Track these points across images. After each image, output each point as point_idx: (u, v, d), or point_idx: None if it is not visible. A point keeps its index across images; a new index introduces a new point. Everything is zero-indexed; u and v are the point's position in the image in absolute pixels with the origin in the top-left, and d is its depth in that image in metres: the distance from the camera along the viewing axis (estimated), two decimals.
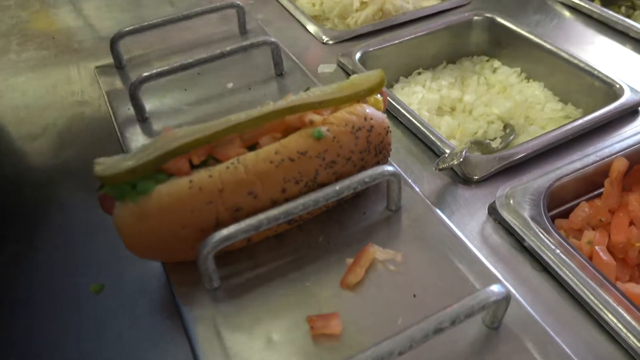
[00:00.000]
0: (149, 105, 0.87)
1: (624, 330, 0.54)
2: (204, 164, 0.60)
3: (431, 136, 0.79)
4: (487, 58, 1.09)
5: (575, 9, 1.10)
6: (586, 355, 0.53)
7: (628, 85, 0.85)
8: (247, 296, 0.59)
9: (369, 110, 0.65)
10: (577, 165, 0.72)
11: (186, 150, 0.59)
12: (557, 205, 0.73)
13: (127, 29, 0.95)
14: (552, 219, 0.68)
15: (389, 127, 0.66)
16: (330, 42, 1.05)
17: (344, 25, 1.18)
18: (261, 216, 0.58)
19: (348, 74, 0.94)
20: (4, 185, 0.82)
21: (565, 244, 0.62)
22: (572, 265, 0.60)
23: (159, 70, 0.83)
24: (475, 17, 1.08)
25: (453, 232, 0.64)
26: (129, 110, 0.87)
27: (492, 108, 0.97)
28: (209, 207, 0.58)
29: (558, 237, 0.63)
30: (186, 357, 0.56)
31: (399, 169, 0.69)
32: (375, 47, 1.02)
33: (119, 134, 0.84)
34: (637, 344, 0.53)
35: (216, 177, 0.58)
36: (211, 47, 0.88)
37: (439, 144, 0.78)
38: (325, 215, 0.67)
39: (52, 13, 1.24)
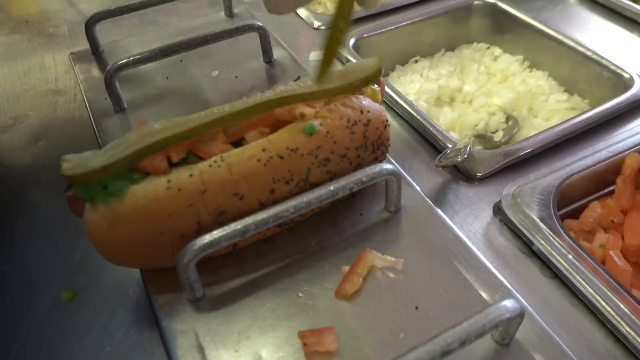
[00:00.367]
0: (127, 95, 0.81)
1: None
2: (183, 161, 0.54)
3: (431, 129, 0.74)
4: (487, 45, 1.03)
5: None
6: None
7: (639, 75, 0.80)
8: (232, 307, 0.54)
9: (365, 102, 0.59)
10: (589, 161, 0.67)
11: (164, 147, 0.53)
12: (566, 204, 0.68)
13: (104, 10, 0.88)
14: (561, 219, 0.63)
15: (387, 120, 0.61)
16: (323, 27, 0.99)
17: None
18: (248, 220, 0.52)
19: (342, 62, 0.88)
20: None
21: (578, 248, 0.57)
22: (586, 271, 0.56)
23: (137, 56, 0.77)
24: (476, 2, 1.03)
25: (457, 235, 0.59)
26: (105, 100, 0.81)
27: (493, 99, 0.93)
28: (189, 211, 0.52)
29: (570, 240, 0.58)
30: None
31: (399, 167, 0.63)
32: (370, 33, 0.96)
33: (94, 126, 0.78)
34: None
35: (197, 177, 0.52)
36: (196, 32, 0.81)
37: (440, 138, 0.73)
38: (318, 217, 0.62)
39: None
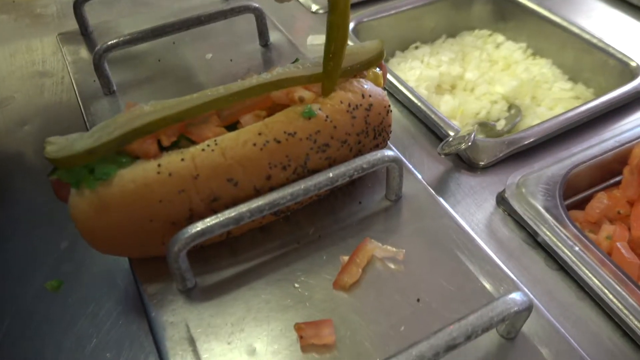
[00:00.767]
0: (117, 77, 0.78)
1: None
2: (175, 145, 0.52)
3: (433, 117, 0.72)
4: (490, 32, 1.01)
5: None
6: None
7: None
8: (225, 298, 0.52)
9: (367, 86, 0.57)
10: (595, 151, 0.65)
11: (154, 129, 0.51)
12: (571, 194, 0.66)
13: None
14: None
15: (389, 105, 0.58)
16: (321, 11, 0.97)
17: None
18: (242, 207, 0.50)
19: None
20: None
21: (585, 239, 0.55)
22: (592, 263, 0.54)
23: (127, 37, 0.74)
24: None
25: (460, 225, 0.57)
26: (94, 82, 0.78)
27: (495, 86, 0.90)
28: (180, 197, 0.50)
29: (576, 231, 0.56)
30: None
31: (400, 154, 0.61)
32: (370, 18, 0.94)
33: (82, 109, 0.75)
34: None
35: (189, 161, 0.50)
36: (189, 14, 0.78)
37: (441, 125, 0.70)
38: (316, 205, 0.60)
39: None
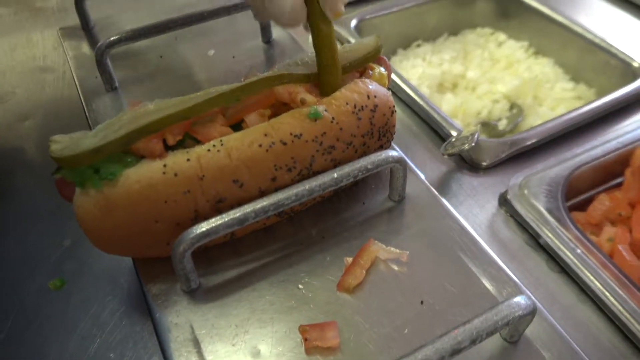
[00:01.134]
0: (119, 73, 0.78)
1: None
2: (180, 144, 0.52)
3: (436, 116, 0.72)
4: (492, 31, 1.00)
5: None
6: None
7: None
8: (230, 299, 0.52)
9: (372, 86, 0.56)
10: (598, 152, 0.65)
11: (160, 127, 0.50)
12: (573, 196, 0.66)
13: None
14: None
15: (394, 106, 0.58)
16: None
17: None
18: (247, 208, 0.50)
19: (341, 43, 0.85)
20: None
21: (587, 242, 0.56)
22: (594, 266, 0.54)
23: (130, 32, 0.73)
24: None
25: (463, 227, 0.57)
26: (96, 78, 0.77)
27: (497, 85, 0.90)
28: (186, 197, 0.49)
29: (578, 233, 0.56)
30: None
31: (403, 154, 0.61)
32: (372, 15, 0.93)
33: (84, 105, 0.74)
34: None
35: (195, 162, 0.49)
36: (192, 10, 0.78)
37: (444, 124, 0.70)
38: (319, 206, 0.60)
39: None
